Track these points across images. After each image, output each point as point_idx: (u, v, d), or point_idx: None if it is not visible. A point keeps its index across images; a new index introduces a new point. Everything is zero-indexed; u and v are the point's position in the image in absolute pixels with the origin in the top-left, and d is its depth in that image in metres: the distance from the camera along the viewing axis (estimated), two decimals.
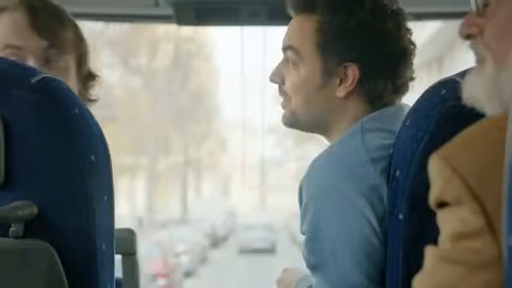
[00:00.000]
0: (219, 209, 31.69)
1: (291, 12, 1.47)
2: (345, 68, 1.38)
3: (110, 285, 1.26)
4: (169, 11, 2.06)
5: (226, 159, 39.44)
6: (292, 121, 1.46)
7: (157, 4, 2.06)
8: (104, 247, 1.23)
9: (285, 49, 1.45)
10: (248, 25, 2.10)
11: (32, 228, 1.17)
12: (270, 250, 24.46)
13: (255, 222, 27.18)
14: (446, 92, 1.18)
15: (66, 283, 1.17)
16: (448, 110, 1.16)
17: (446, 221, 0.78)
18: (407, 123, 1.23)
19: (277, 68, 1.46)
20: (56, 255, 1.17)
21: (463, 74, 1.20)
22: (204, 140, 33.13)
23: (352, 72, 1.38)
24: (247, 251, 24.38)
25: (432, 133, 1.17)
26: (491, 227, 0.74)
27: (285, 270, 1.61)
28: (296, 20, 1.45)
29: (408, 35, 1.43)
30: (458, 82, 1.17)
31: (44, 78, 1.19)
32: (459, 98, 1.15)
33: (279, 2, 1.95)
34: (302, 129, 1.49)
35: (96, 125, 1.23)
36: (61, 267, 1.17)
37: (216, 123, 34.71)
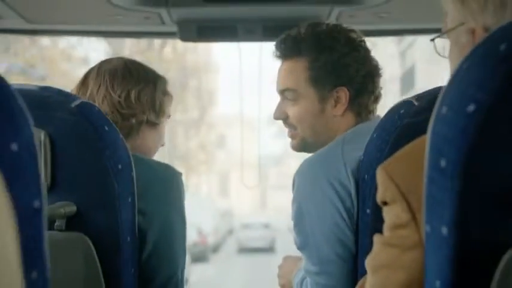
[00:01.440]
0: (211, 210, 26.83)
1: (278, 58, 1.87)
2: (337, 91, 1.81)
3: (133, 270, 1.64)
4: (173, 29, 2.42)
5: (222, 154, 38.82)
6: (303, 146, 1.88)
7: (162, 22, 2.40)
8: (128, 239, 1.59)
9: (282, 92, 1.86)
10: (245, 41, 2.44)
11: (72, 223, 1.54)
12: (269, 249, 24.77)
13: (254, 221, 27.22)
14: (404, 111, 1.51)
15: (100, 267, 1.54)
16: (404, 126, 1.49)
17: (387, 216, 1.09)
18: (374, 135, 1.57)
19: (279, 107, 1.88)
20: (91, 245, 1.53)
21: (417, 96, 1.56)
22: (197, 132, 30.12)
23: (344, 93, 1.81)
24: (246, 250, 24.57)
25: (392, 144, 1.49)
26: (415, 220, 1.03)
27: (287, 257, 2.03)
28: (285, 65, 1.86)
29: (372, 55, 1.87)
30: (414, 103, 1.54)
31: (81, 102, 1.56)
32: (413, 116, 1.52)
33: (272, 20, 2.34)
34: (312, 151, 1.85)
35: (122, 139, 1.59)
36: (95, 254, 1.53)
37: (211, 113, 32.81)
